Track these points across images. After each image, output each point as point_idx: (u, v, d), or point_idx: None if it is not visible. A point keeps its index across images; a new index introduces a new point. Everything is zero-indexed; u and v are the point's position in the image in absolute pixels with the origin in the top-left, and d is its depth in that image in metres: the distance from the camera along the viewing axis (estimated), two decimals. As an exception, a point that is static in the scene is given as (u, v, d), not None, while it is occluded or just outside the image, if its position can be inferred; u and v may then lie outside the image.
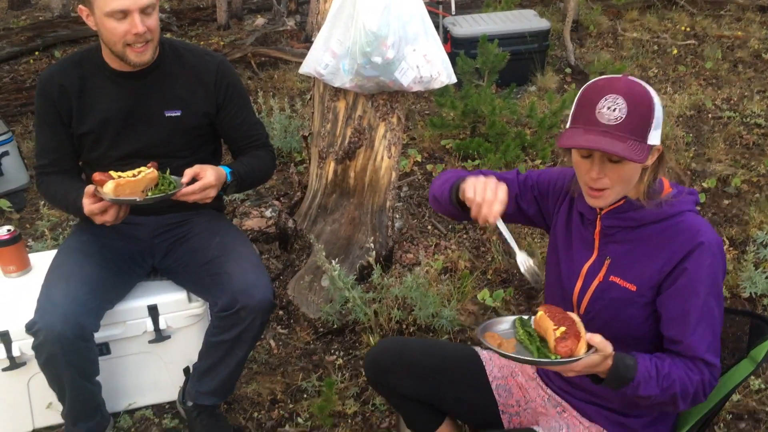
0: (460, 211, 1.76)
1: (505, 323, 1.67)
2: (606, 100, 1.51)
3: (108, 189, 2.01)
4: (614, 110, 1.49)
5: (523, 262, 1.66)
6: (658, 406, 1.59)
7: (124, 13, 2.06)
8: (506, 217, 1.82)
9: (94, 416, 2.28)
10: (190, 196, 2.11)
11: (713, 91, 5.55)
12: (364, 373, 2.34)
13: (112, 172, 2.05)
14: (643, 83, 1.55)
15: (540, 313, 1.57)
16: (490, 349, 1.54)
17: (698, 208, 1.72)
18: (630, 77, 1.56)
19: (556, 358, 1.47)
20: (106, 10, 2.05)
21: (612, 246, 1.68)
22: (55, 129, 2.28)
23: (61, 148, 2.31)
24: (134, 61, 2.15)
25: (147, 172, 2.07)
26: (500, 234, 1.66)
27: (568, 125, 1.58)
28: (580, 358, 1.45)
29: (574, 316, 1.55)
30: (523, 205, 1.85)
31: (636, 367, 1.51)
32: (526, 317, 1.66)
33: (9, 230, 2.45)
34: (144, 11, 2.08)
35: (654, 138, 1.53)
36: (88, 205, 2.08)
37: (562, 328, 1.48)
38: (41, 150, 2.33)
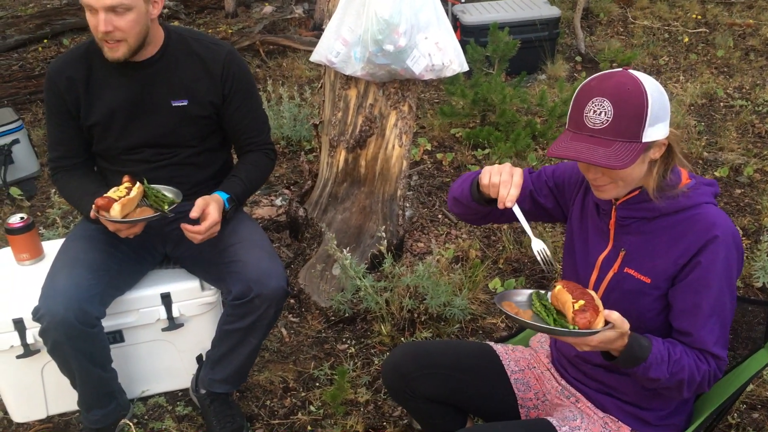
0: (481, 205, 1.76)
1: (522, 295, 1.68)
2: (592, 103, 1.50)
3: (116, 212, 2.04)
4: (600, 114, 1.48)
5: (539, 249, 1.67)
6: (663, 390, 1.60)
7: (93, 9, 2.05)
8: (524, 213, 1.81)
9: (108, 403, 2.29)
10: (197, 236, 2.15)
11: (725, 80, 5.51)
12: (382, 382, 2.31)
13: (110, 194, 2.08)
14: (640, 77, 1.51)
15: (558, 287, 1.57)
16: (508, 315, 1.54)
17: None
18: (629, 71, 1.52)
19: (574, 329, 1.47)
20: (82, 1, 2.07)
21: (627, 237, 1.67)
22: (64, 121, 2.29)
23: (71, 140, 2.32)
24: (108, 56, 2.14)
25: (136, 187, 2.12)
26: (517, 220, 1.67)
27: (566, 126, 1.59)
28: (597, 332, 1.45)
29: (592, 292, 1.55)
30: (540, 200, 1.84)
31: (650, 349, 1.52)
32: (542, 292, 1.66)
33: (22, 218, 2.46)
34: (113, 10, 2.05)
35: (653, 134, 1.50)
36: (111, 225, 2.11)
37: (581, 302, 1.49)
38: (52, 142, 2.34)
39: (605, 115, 1.48)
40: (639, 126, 1.48)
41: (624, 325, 1.48)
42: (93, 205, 2.07)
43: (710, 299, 1.55)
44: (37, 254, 2.53)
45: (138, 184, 2.15)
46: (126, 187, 2.12)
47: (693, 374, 1.54)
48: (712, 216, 1.58)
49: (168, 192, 2.22)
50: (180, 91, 2.27)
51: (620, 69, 1.55)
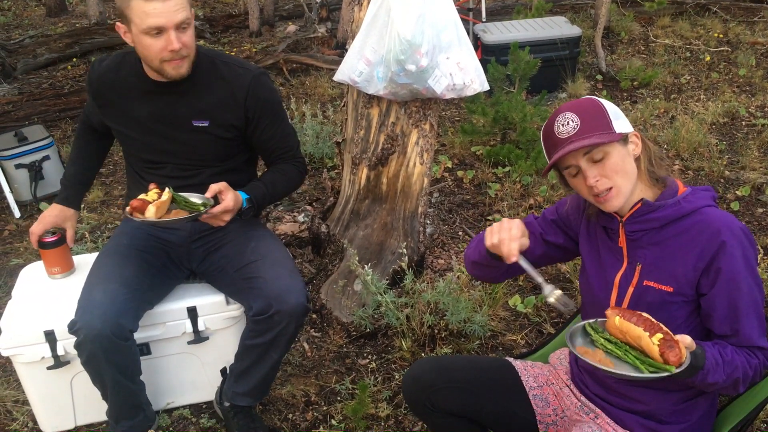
0: (501, 261, 1.80)
1: (577, 333, 1.67)
2: (558, 121, 1.67)
3: (150, 213, 2.11)
4: (567, 124, 1.65)
5: (551, 293, 1.70)
6: (720, 390, 1.64)
7: (160, 30, 2.09)
8: (538, 258, 1.90)
9: (136, 415, 2.34)
10: (211, 219, 2.21)
11: (747, 99, 5.50)
12: (402, 395, 2.33)
13: (144, 196, 2.16)
14: (587, 96, 1.72)
15: (617, 318, 1.57)
16: (596, 367, 1.54)
17: (730, 210, 1.74)
18: (577, 98, 1.71)
19: (672, 370, 1.47)
20: (142, 27, 2.08)
21: (640, 251, 1.71)
22: (93, 109, 2.46)
23: (92, 121, 2.52)
24: (172, 74, 2.19)
25: (166, 192, 2.18)
26: (525, 271, 1.73)
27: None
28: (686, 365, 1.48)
29: (646, 315, 1.56)
30: (551, 239, 1.90)
31: (704, 356, 1.55)
32: (593, 321, 1.67)
33: (54, 232, 2.52)
34: (179, 27, 2.11)
35: (621, 126, 1.65)
36: (35, 226, 2.43)
37: (659, 335, 1.49)
38: (85, 109, 2.56)
39: (572, 122, 1.64)
40: (605, 119, 1.64)
41: (693, 344, 1.52)
42: (128, 207, 2.14)
43: (743, 297, 1.61)
44: (68, 268, 2.59)
45: (167, 189, 2.19)
46: (156, 192, 2.18)
47: (746, 370, 1.59)
48: (717, 218, 1.64)
49: (197, 198, 2.26)
50: (202, 112, 2.30)
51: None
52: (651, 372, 1.49)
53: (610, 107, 1.66)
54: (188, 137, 2.33)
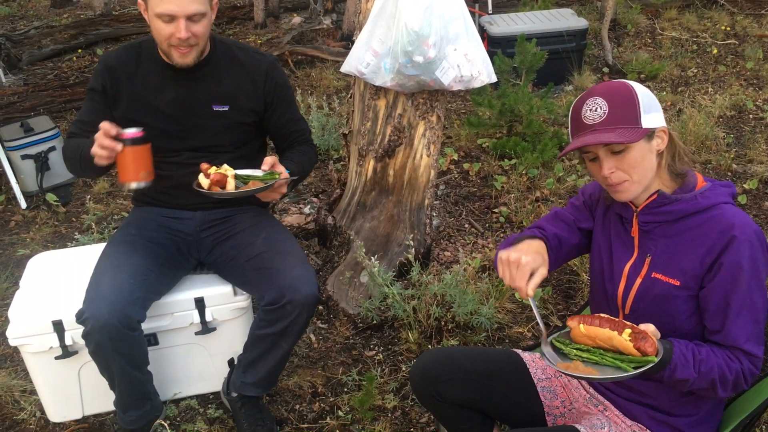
0: None
1: (548, 352, 1.64)
2: (587, 104, 1.63)
3: (231, 186, 2.13)
4: (596, 110, 1.61)
5: (544, 344, 1.67)
6: (699, 391, 1.62)
7: (172, 17, 2.14)
8: (573, 248, 1.89)
9: (143, 405, 2.35)
10: (269, 193, 2.20)
11: (754, 92, 5.48)
12: (410, 386, 2.33)
13: (215, 169, 2.14)
14: (623, 80, 1.66)
15: (582, 326, 1.58)
16: (590, 378, 1.55)
17: (738, 204, 1.73)
18: (612, 81, 1.66)
19: (654, 359, 1.47)
20: (155, 11, 2.14)
21: (651, 243, 1.70)
22: (98, 109, 2.33)
23: (89, 126, 2.31)
24: (177, 61, 2.24)
25: (228, 168, 2.18)
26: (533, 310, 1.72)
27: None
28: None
29: (605, 315, 1.58)
30: (584, 225, 1.89)
31: (672, 350, 1.54)
32: (556, 335, 1.67)
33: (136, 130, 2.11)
34: (191, 18, 2.15)
35: (650, 121, 1.60)
36: (101, 137, 2.04)
37: (627, 330, 1.49)
38: (78, 120, 2.36)
39: (601, 109, 1.60)
40: (635, 112, 1.59)
41: (658, 332, 1.53)
42: (207, 183, 2.11)
43: (739, 296, 1.57)
44: (153, 174, 2.19)
45: (225, 165, 2.19)
46: (213, 168, 2.16)
47: (724, 373, 1.56)
48: (731, 216, 1.62)
49: (258, 172, 2.22)
50: (222, 97, 2.35)
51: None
52: (635, 368, 1.49)
53: (644, 98, 1.61)
54: (208, 122, 2.36)
